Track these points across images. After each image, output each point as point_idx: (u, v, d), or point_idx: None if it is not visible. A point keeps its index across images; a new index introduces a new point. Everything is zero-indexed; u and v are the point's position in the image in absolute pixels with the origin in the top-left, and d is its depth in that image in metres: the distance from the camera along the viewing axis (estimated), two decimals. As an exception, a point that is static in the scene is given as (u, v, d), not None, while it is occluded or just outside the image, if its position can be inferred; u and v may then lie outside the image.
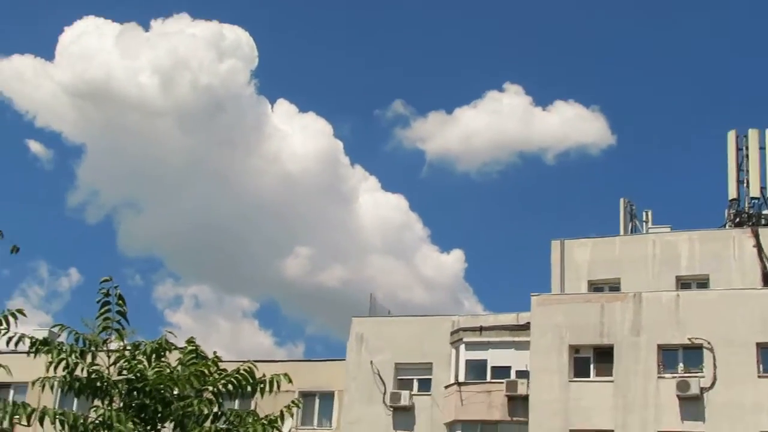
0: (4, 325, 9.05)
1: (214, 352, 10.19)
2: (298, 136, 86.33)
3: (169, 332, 10.12)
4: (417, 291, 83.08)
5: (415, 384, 35.56)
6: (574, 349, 32.76)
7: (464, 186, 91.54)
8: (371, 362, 35.63)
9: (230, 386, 9.85)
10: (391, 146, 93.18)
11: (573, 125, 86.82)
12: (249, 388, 9.86)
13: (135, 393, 9.64)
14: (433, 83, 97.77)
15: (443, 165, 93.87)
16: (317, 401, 36.95)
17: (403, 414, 35.08)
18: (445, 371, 34.89)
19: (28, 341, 9.41)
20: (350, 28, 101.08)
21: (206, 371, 9.78)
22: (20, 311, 9.03)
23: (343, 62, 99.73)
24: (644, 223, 44.31)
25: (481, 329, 34.83)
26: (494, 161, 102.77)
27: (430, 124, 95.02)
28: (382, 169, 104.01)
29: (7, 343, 9.12)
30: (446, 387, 34.56)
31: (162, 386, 9.60)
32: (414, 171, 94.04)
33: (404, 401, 34.82)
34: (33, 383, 9.56)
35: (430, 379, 35.27)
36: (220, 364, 10.08)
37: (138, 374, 9.65)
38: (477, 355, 34.61)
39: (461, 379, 34.33)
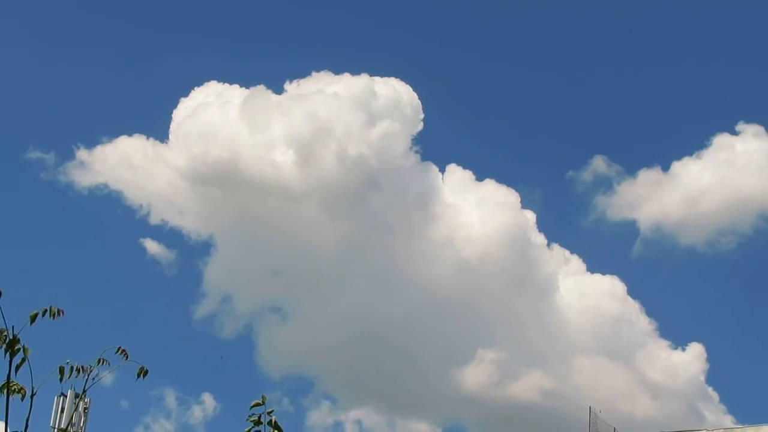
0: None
1: None
2: (476, 211, 73.49)
3: None
4: (642, 401, 70.80)
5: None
6: None
7: (691, 263, 76.89)
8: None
9: None
10: (593, 217, 76.94)
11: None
12: None
13: None
14: (642, 132, 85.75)
15: (661, 237, 75.32)
16: None
17: None
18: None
19: None
20: (532, 69, 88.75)
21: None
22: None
23: (526, 112, 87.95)
24: None
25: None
26: (729, 228, 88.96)
27: (640, 185, 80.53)
28: (585, 247, 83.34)
29: None
30: None
31: None
32: (624, 247, 79.14)
33: None
34: None
35: None
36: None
37: None
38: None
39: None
